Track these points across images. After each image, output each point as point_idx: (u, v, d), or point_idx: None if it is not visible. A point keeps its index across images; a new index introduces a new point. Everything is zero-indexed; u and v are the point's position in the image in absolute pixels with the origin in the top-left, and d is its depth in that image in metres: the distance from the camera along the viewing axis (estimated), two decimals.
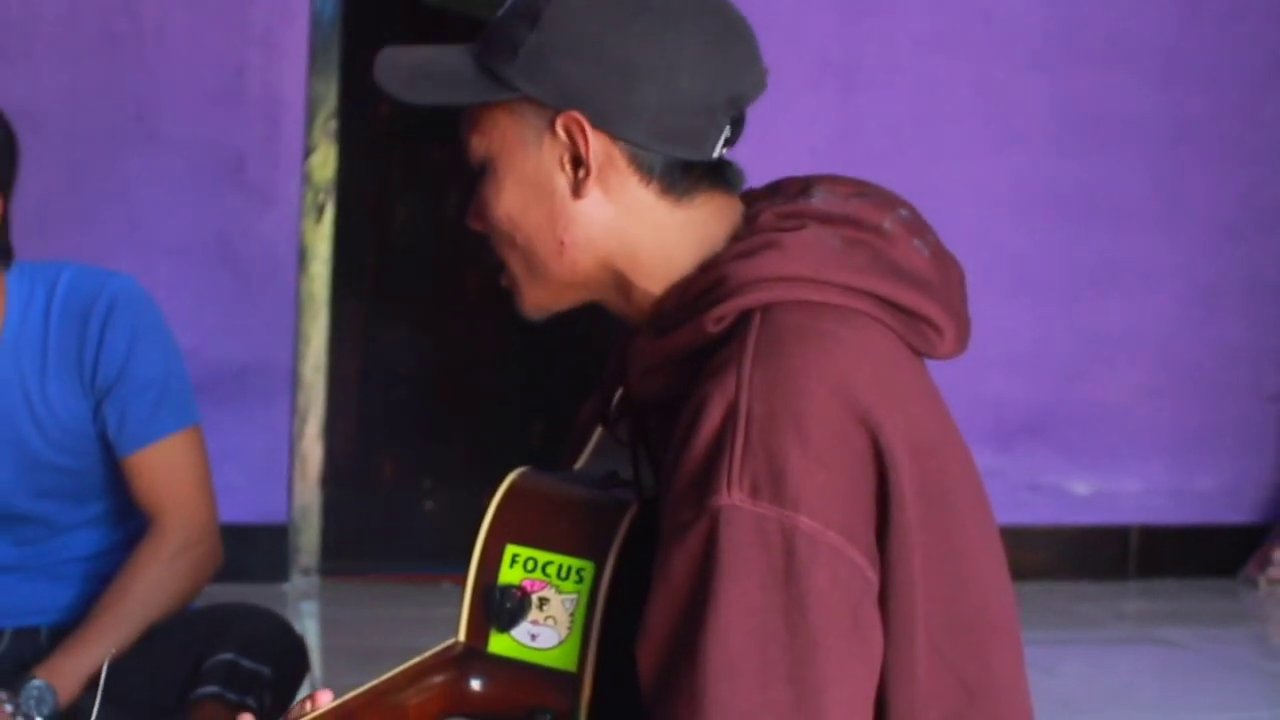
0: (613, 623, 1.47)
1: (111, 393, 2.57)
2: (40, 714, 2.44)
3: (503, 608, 1.49)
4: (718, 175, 1.55)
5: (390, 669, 1.51)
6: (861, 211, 1.52)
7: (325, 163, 4.85)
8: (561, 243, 1.53)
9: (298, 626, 2.78)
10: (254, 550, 4.61)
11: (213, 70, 4.69)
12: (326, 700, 1.52)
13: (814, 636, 1.38)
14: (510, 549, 1.50)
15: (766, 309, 1.46)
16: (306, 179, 4.82)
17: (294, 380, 4.86)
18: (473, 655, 1.50)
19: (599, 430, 1.68)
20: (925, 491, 1.44)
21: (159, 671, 2.51)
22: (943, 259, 1.55)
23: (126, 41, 4.63)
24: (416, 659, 1.52)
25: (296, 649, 2.62)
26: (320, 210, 4.86)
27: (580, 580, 1.48)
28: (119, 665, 2.43)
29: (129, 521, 2.68)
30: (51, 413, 2.57)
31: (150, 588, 2.56)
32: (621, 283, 1.55)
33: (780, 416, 1.39)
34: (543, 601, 1.48)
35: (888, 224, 1.52)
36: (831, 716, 1.38)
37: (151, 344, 2.60)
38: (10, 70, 4.52)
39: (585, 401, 1.72)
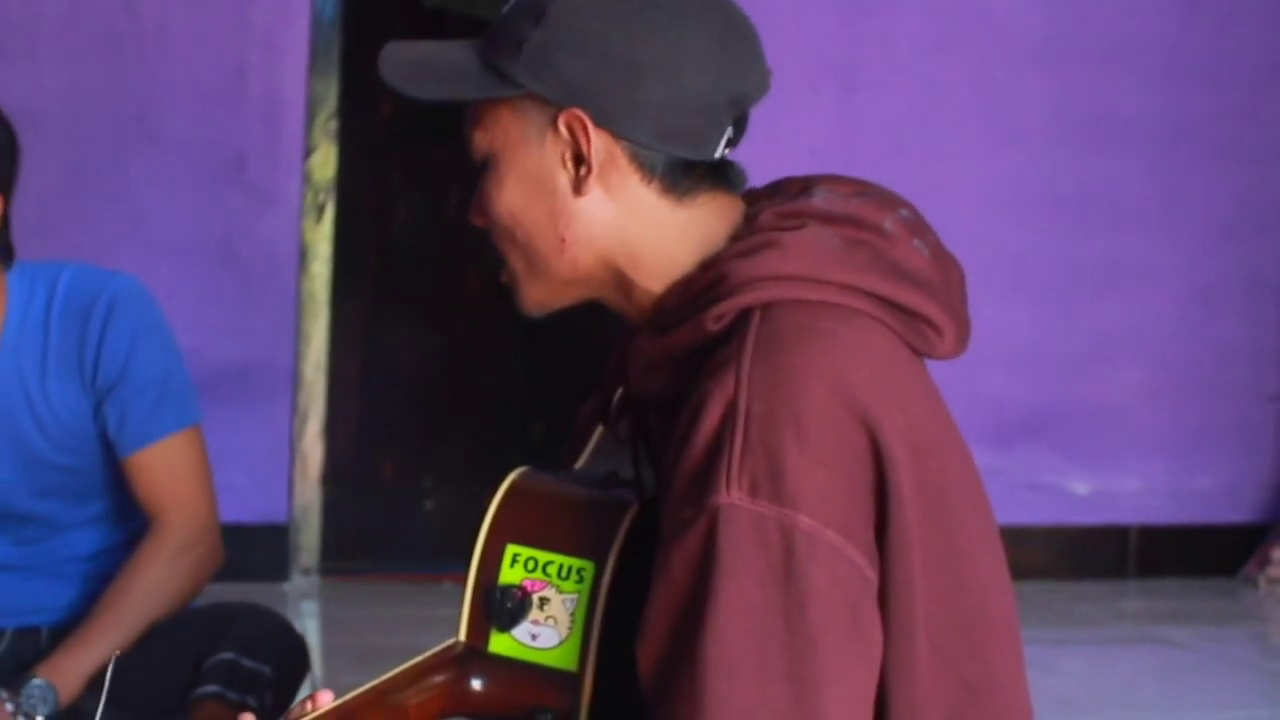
0: (613, 622, 1.47)
1: (112, 392, 2.57)
2: (41, 713, 2.44)
3: (503, 607, 1.49)
4: (720, 175, 1.55)
5: (391, 669, 1.52)
6: (862, 211, 1.52)
7: (326, 163, 4.85)
8: (562, 240, 1.54)
9: (298, 626, 2.79)
10: (254, 550, 4.61)
11: (213, 70, 4.70)
12: (327, 700, 1.52)
13: (813, 635, 1.38)
14: (511, 549, 1.51)
15: (766, 308, 1.46)
16: (307, 179, 4.83)
17: (294, 380, 4.86)
18: (473, 655, 1.50)
19: (600, 429, 1.68)
20: (925, 491, 1.44)
21: (159, 671, 2.51)
22: (943, 259, 1.55)
23: (127, 41, 4.63)
24: (417, 659, 1.52)
25: (297, 648, 2.62)
26: (321, 210, 4.86)
27: (581, 580, 1.48)
28: (119, 664, 2.43)
29: (130, 521, 2.68)
30: (52, 412, 2.57)
31: (151, 587, 2.57)
32: (622, 281, 1.55)
33: (779, 415, 1.40)
34: (543, 601, 1.48)
35: (888, 224, 1.52)
36: (830, 715, 1.38)
37: (152, 343, 2.60)
38: (11, 70, 4.52)
39: (585, 401, 1.72)
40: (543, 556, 1.49)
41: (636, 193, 1.53)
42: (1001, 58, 5.22)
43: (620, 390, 1.63)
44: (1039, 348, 5.31)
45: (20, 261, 2.58)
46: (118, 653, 2.44)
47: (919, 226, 1.55)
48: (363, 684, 1.51)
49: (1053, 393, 5.33)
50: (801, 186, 1.57)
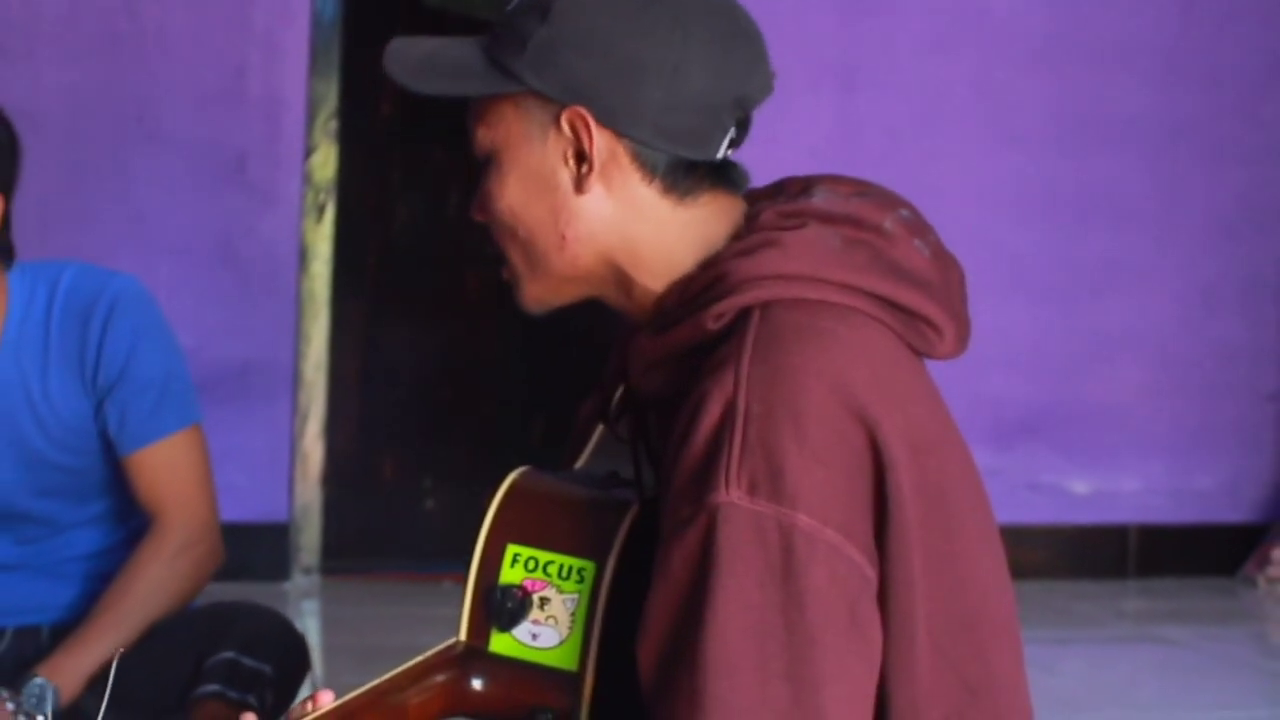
0: (614, 622, 1.47)
1: (113, 392, 2.57)
2: (42, 713, 2.44)
3: (504, 607, 1.49)
4: (722, 175, 1.55)
5: (391, 668, 1.52)
6: (862, 211, 1.52)
7: (326, 163, 4.86)
8: (563, 237, 1.54)
9: (299, 625, 2.78)
10: (255, 549, 4.62)
11: (213, 70, 4.70)
12: (328, 700, 1.52)
13: (812, 634, 1.38)
14: (511, 549, 1.51)
15: (765, 307, 1.46)
16: (307, 179, 4.83)
17: (295, 379, 4.86)
18: (474, 655, 1.50)
19: (600, 428, 1.68)
20: (924, 490, 1.44)
21: (160, 670, 2.51)
22: (943, 259, 1.55)
23: (127, 42, 4.64)
24: (417, 658, 1.52)
25: (298, 647, 2.62)
26: (321, 210, 4.86)
27: (581, 580, 1.48)
28: (120, 664, 2.43)
29: (130, 520, 2.68)
30: (53, 411, 2.57)
31: (151, 586, 2.57)
32: (622, 279, 1.55)
33: (778, 414, 1.40)
34: (544, 601, 1.49)
35: (888, 224, 1.52)
36: (829, 713, 1.38)
37: (152, 343, 2.60)
38: (11, 70, 4.52)
39: (586, 400, 1.72)
40: (543, 556, 1.50)
41: (638, 191, 1.53)
42: (1001, 58, 5.22)
43: (620, 389, 1.63)
44: (1039, 348, 5.31)
45: (21, 261, 2.58)
46: (121, 652, 2.44)
47: (919, 226, 1.55)
48: (363, 683, 1.51)
49: (1052, 393, 5.34)
50: (802, 186, 1.57)
